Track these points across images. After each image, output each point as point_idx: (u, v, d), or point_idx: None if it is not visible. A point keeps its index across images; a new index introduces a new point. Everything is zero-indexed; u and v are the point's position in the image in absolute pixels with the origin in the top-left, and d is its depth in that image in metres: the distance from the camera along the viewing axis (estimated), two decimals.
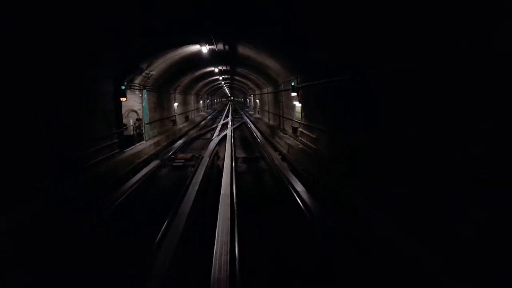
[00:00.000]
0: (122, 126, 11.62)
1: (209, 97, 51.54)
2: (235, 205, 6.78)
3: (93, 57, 8.33)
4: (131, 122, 13.52)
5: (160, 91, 17.15)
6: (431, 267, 3.63)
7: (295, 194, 7.45)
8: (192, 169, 10.51)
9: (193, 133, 22.00)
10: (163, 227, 5.84)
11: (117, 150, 10.71)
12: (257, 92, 28.28)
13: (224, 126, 23.99)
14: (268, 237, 5.70)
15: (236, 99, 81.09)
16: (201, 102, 38.79)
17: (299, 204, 6.88)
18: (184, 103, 25.49)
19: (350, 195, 6.27)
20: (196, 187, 8.01)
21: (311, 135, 10.65)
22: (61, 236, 5.50)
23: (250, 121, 28.57)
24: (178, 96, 22.47)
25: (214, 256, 4.48)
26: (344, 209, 6.10)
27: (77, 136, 8.10)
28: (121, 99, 10.96)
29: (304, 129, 11.61)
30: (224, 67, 20.89)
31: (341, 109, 7.58)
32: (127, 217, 6.85)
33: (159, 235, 5.51)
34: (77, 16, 6.04)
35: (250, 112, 38.01)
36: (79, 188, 7.36)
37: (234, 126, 23.74)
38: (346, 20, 5.70)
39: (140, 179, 9.21)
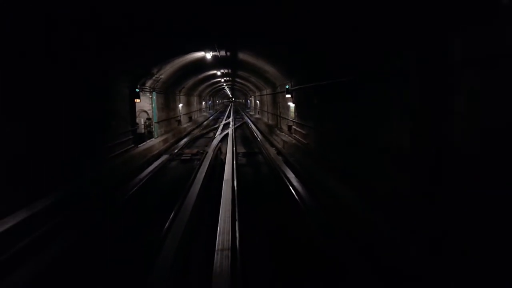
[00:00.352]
0: (136, 124, 13.23)
1: (211, 98, 53.16)
2: (235, 186, 8.35)
3: (115, 67, 9.94)
4: (142, 121, 15.13)
5: (167, 93, 18.77)
6: (359, 206, 5.20)
7: (285, 179, 9.03)
8: (198, 162, 12.09)
9: (196, 132, 23.62)
10: (181, 198, 7.41)
11: (132, 145, 12.32)
12: (257, 93, 29.87)
13: (226, 125, 25.62)
14: (259, 205, 7.27)
15: (238, 100, 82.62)
16: (203, 103, 40.42)
17: (287, 184, 8.47)
18: (188, 104, 27.11)
19: (327, 178, 7.84)
20: (203, 174, 9.61)
21: (302, 131, 12.24)
22: (103, 203, 7.10)
23: (251, 121, 30.16)
24: (182, 98, 24.09)
25: (220, 217, 6.07)
26: (318, 185, 7.66)
27: (105, 132, 9.71)
28: (135, 100, 12.58)
29: (297, 127, 13.19)
30: (226, 70, 22.48)
31: (323, 108, 9.15)
32: (150, 193, 8.45)
33: (178, 203, 7.08)
34: (103, 32, 7.65)
35: (251, 113, 39.58)
36: (110, 169, 8.97)
37: (235, 126, 25.35)
38: (327, 45, 7.29)
39: (155, 168, 10.84)
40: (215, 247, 4.87)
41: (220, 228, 5.51)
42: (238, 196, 7.64)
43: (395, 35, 4.89)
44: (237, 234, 5.49)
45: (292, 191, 7.90)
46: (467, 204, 3.54)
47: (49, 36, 6.17)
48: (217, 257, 4.54)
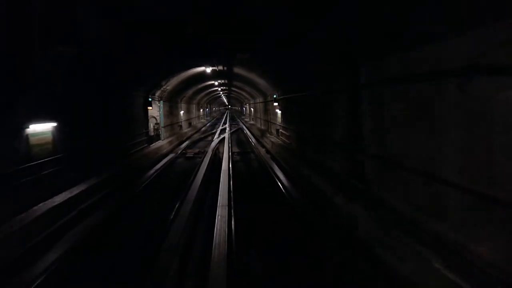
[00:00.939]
0: (148, 128, 15.80)
1: (208, 106, 55.83)
2: (231, 174, 10.91)
3: (136, 81, 12.57)
4: (151, 126, 17.69)
5: (171, 101, 21.40)
6: (317, 180, 7.81)
7: (270, 169, 11.63)
8: (200, 159, 14.65)
9: (196, 136, 26.22)
10: (189, 182, 9.96)
11: (146, 145, 14.88)
12: (252, 101, 32.60)
13: (223, 131, 28.25)
14: (248, 182, 9.85)
15: (234, 107, 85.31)
16: (201, 110, 43.06)
17: (271, 173, 11.07)
18: (187, 111, 29.73)
19: (301, 166, 10.46)
20: (205, 167, 12.17)
21: (286, 133, 14.89)
22: (111, 193, 9.64)
23: (245, 127, 32.82)
24: (183, 105, 26.73)
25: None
26: (294, 172, 10.26)
27: (127, 133, 12.29)
28: (148, 108, 15.18)
29: (282, 130, 15.85)
30: (223, 81, 25.20)
31: (300, 114, 11.81)
32: (165, 177, 10.99)
33: (187, 186, 9.64)
34: (123, 61, 10.29)
35: (246, 120, 42.25)
36: (128, 165, 11.51)
37: (231, 131, 27.98)
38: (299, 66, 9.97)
39: (166, 162, 13.42)
40: (217, 204, 7.44)
41: (220, 197, 8.05)
42: (233, 179, 10.20)
43: (335, 69, 7.56)
44: (232, 201, 8.04)
45: (272, 174, 10.53)
46: (324, 157, 6.18)
47: (98, 72, 8.79)
48: (218, 210, 7.09)
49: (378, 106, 5.71)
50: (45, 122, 6.94)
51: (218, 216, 6.67)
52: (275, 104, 16.66)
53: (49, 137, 7.20)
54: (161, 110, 18.52)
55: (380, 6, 4.82)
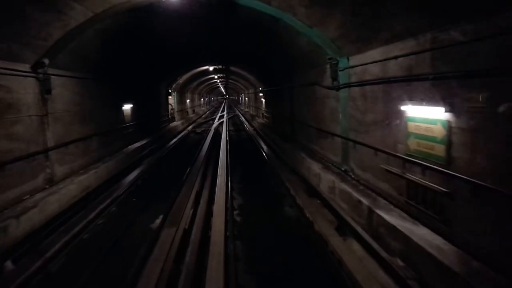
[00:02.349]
0: (168, 111, 22.10)
1: (208, 95, 61.87)
2: (228, 142, 17.24)
3: (161, 80, 18.83)
4: (169, 110, 23.96)
5: (181, 92, 27.63)
6: (284, 144, 14.20)
7: (252, 137, 18.04)
8: (206, 134, 21.00)
9: (200, 120, 32.57)
10: (200, 147, 16.31)
11: (167, 124, 21.22)
12: (246, 92, 38.82)
13: (221, 117, 34.54)
14: (239, 142, 16.22)
15: (231, 97, 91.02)
16: (202, 100, 49.20)
17: (253, 139, 17.51)
18: (192, 100, 35.94)
19: (274, 136, 16.84)
20: (210, 138, 18.53)
21: (267, 115, 21.26)
22: (153, 149, 16.01)
23: (241, 113, 39.14)
24: (189, 95, 32.93)
25: (220, 150, 15.03)
26: (274, 143, 16.60)
27: (158, 114, 18.61)
28: (169, 97, 21.47)
29: (265, 113, 22.20)
30: (221, 74, 31.36)
31: (277, 102, 18.12)
32: (181, 147, 17.36)
33: (198, 149, 16.01)
34: (155, 68, 16.52)
35: (242, 108, 48.50)
36: (160, 135, 17.88)
37: (228, 117, 34.30)
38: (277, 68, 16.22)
39: (183, 134, 19.86)
40: (220, 145, 13.85)
41: (220, 155, 14.39)
42: (230, 145, 16.57)
43: (287, 73, 13.82)
44: (228, 158, 14.37)
45: (253, 139, 17.00)
46: (290, 129, 12.59)
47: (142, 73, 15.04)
48: (221, 151, 13.45)
49: (298, 96, 12.06)
50: (127, 104, 13.23)
51: (220, 155, 13.05)
52: (261, 94, 22.98)
53: (129, 110, 13.49)
54: (175, 99, 24.80)
55: (283, 62, 11.09)
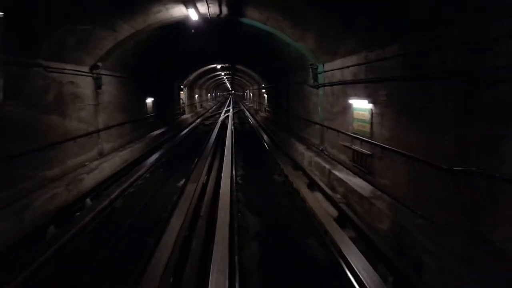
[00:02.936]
0: (180, 105, 24.67)
1: (214, 91, 64.37)
2: (233, 132, 19.77)
3: (176, 77, 21.38)
4: (180, 104, 26.53)
5: (190, 88, 30.16)
6: (281, 133, 16.68)
7: (255, 129, 20.55)
8: (213, 126, 23.53)
9: (207, 114, 35.14)
10: (209, 136, 18.86)
11: (178, 116, 23.80)
12: (251, 88, 41.26)
13: (227, 111, 37.07)
14: (243, 138, 18.74)
15: (237, 93, 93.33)
16: (209, 95, 51.75)
17: (255, 130, 20.02)
18: (199, 95, 38.49)
19: (275, 128, 19.31)
20: (217, 129, 21.07)
21: (268, 110, 23.72)
22: (170, 136, 18.59)
23: (245, 108, 41.63)
24: (197, 91, 35.47)
25: (226, 139, 17.56)
26: (279, 137, 19.09)
27: (172, 107, 21.18)
28: (181, 92, 24.03)
29: (267, 108, 24.67)
30: (228, 72, 33.84)
31: (277, 97, 20.57)
32: (191, 137, 19.93)
33: (211, 131, 18.55)
34: (167, 67, 19.04)
35: (247, 103, 50.97)
36: (174, 125, 20.45)
37: (233, 111, 36.81)
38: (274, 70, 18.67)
39: (193, 126, 22.42)
40: (226, 134, 16.37)
41: (227, 141, 16.90)
42: (235, 134, 19.09)
43: (283, 73, 16.25)
44: (233, 144, 16.87)
45: (257, 131, 19.49)
46: (287, 121, 15.06)
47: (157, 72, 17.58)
48: (227, 139, 15.97)
49: (292, 93, 14.50)
50: (149, 98, 15.77)
51: (227, 141, 15.57)
52: (263, 90, 25.44)
53: (151, 103, 16.05)
54: (185, 94, 27.37)
55: (271, 67, 13.53)
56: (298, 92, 13.09)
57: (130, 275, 4.56)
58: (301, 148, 11.15)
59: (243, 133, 20.16)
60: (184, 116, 25.37)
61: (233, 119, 27.17)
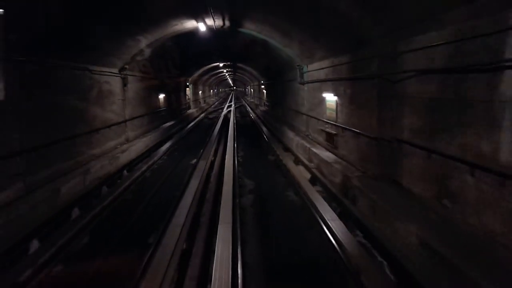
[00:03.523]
0: (186, 101, 27.03)
1: (216, 87, 66.65)
2: (235, 124, 22.11)
3: (182, 75, 23.74)
4: (186, 100, 28.87)
5: (195, 84, 32.49)
6: (276, 125, 19.03)
7: (254, 121, 22.91)
8: (217, 119, 25.89)
9: (210, 109, 37.51)
10: (213, 127, 21.23)
11: (185, 111, 26.19)
12: (252, 84, 43.55)
13: (229, 106, 39.42)
14: (244, 127, 21.11)
15: (238, 88, 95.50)
16: (211, 91, 54.06)
17: (254, 122, 22.39)
18: (203, 92, 40.81)
19: (272, 120, 21.67)
20: (220, 122, 23.43)
21: (267, 104, 26.06)
22: (180, 127, 20.99)
23: (246, 104, 43.96)
24: (200, 87, 37.79)
25: (229, 129, 19.94)
26: (274, 127, 21.42)
27: (179, 102, 23.56)
28: (187, 89, 26.40)
29: (266, 102, 27.00)
30: (229, 69, 36.13)
31: (273, 93, 22.88)
32: (197, 128, 22.32)
33: (215, 124, 20.93)
34: (175, 67, 21.36)
35: (248, 98, 53.26)
36: (182, 118, 22.85)
37: (235, 106, 39.14)
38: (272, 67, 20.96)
39: (199, 119, 24.85)
40: (228, 126, 18.75)
41: (229, 131, 19.25)
42: (236, 126, 21.43)
43: (278, 71, 18.54)
44: (235, 133, 19.22)
45: (256, 123, 21.87)
46: (281, 113, 17.41)
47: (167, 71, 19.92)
48: (230, 130, 18.33)
49: (285, 89, 16.81)
50: (163, 94, 18.12)
51: (229, 131, 17.93)
52: (262, 87, 27.75)
53: (162, 98, 18.41)
54: (191, 90, 29.73)
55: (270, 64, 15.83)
56: (290, 88, 15.41)
57: (165, 214, 6.93)
58: (291, 134, 13.50)
59: (244, 124, 22.57)
60: (190, 111, 27.74)
61: (234, 113, 29.52)
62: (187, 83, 26.42)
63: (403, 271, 4.43)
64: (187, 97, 28.72)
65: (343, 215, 6.46)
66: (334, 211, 6.43)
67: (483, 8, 4.05)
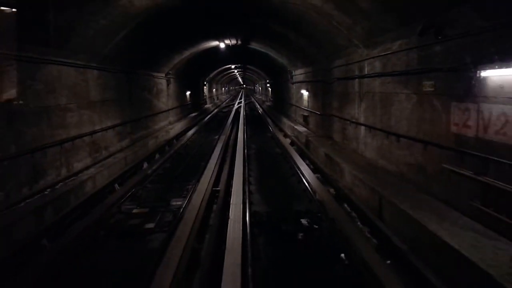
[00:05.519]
0: (203, 97, 32.88)
1: (227, 85, 72.53)
2: (245, 117, 27.80)
3: (201, 76, 29.56)
4: (203, 96, 34.74)
5: (210, 83, 38.35)
6: (279, 116, 24.67)
7: (261, 115, 28.65)
8: (229, 113, 31.66)
9: (223, 105, 43.41)
10: (228, 117, 26.98)
11: (203, 106, 32.05)
12: (260, 82, 49.23)
13: (239, 103, 45.24)
14: (251, 118, 26.81)
15: (248, 87, 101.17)
16: (223, 89, 59.97)
17: (261, 115, 28.13)
18: (216, 89, 46.68)
19: (276, 113, 27.30)
20: (232, 116, 29.18)
21: (272, 100, 31.72)
22: (202, 117, 26.82)
23: (255, 100, 49.74)
24: (214, 85, 43.66)
25: (241, 113, 25.67)
26: (275, 116, 27.04)
27: (199, 98, 29.40)
28: (204, 87, 32.26)
29: (271, 98, 32.66)
30: (240, 70, 41.89)
31: (276, 90, 28.48)
32: (215, 118, 28.13)
33: (229, 116, 26.71)
34: (197, 70, 27.14)
35: (256, 96, 59.00)
36: (201, 111, 28.68)
37: (245, 102, 44.92)
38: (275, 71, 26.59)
39: (215, 112, 30.82)
40: (239, 117, 24.50)
41: (240, 120, 24.93)
42: (246, 119, 27.10)
43: (278, 72, 24.14)
44: (244, 121, 24.88)
45: (262, 115, 27.64)
46: (281, 106, 23.06)
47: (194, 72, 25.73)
48: (240, 119, 24.03)
49: (283, 87, 22.40)
50: (188, 91, 23.94)
51: (240, 123, 23.65)
52: (268, 85, 33.43)
53: (188, 95, 24.22)
54: (207, 88, 35.62)
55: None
56: (285, 86, 21.06)
57: (206, 156, 12.64)
58: (285, 120, 19.16)
59: (252, 115, 28.37)
60: (206, 106, 33.62)
61: (244, 108, 35.29)
62: (205, 82, 32.29)
63: (314, 163, 10.13)
64: (204, 94, 34.64)
65: (300, 154, 12.14)
66: (297, 152, 12.14)
67: (350, 56, 9.66)
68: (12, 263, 5.10)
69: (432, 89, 5.72)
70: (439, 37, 5.35)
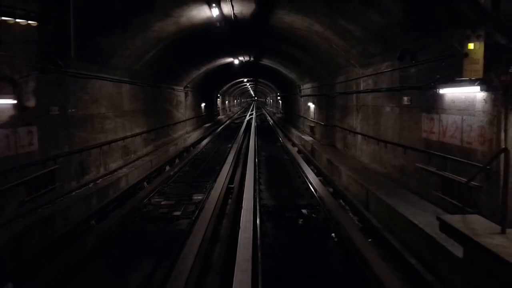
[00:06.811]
0: (217, 108, 34.56)
1: (239, 98, 74.51)
2: (256, 127, 29.28)
3: (215, 89, 31.30)
4: (217, 108, 36.45)
5: (223, 95, 40.12)
6: (289, 127, 26.06)
7: (271, 125, 30.09)
8: (241, 124, 33.21)
9: (235, 116, 45.09)
10: (240, 127, 28.49)
11: (216, 117, 33.70)
12: (271, 95, 50.89)
13: (251, 114, 46.86)
14: (262, 128, 28.27)
15: (259, 99, 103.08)
16: (235, 101, 61.86)
17: (271, 126, 29.58)
18: (228, 101, 48.47)
19: (286, 124, 28.72)
20: (244, 126, 30.72)
21: (282, 112, 33.17)
22: (215, 127, 28.40)
23: (266, 112, 51.34)
24: (227, 97, 45.45)
25: (252, 124, 27.14)
26: (284, 127, 28.46)
27: (213, 110, 31.07)
28: (217, 99, 33.98)
29: (281, 110, 34.12)
30: (252, 83, 43.65)
31: (286, 102, 29.94)
32: (228, 128, 29.69)
33: (241, 126, 28.21)
34: (213, 83, 28.85)
35: (268, 108, 60.65)
36: (215, 122, 30.29)
37: (256, 114, 46.53)
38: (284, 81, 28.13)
39: (228, 123, 32.41)
40: (251, 127, 25.97)
41: (251, 130, 26.40)
42: (257, 130, 28.58)
43: (288, 87, 25.62)
44: (255, 130, 26.34)
45: (272, 125, 29.09)
46: (290, 117, 24.45)
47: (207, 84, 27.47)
48: (252, 129, 25.49)
49: (293, 100, 23.83)
50: (204, 103, 25.57)
51: (251, 133, 25.12)
52: (278, 98, 34.98)
53: (203, 106, 25.86)
54: (220, 100, 37.36)
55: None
56: (294, 99, 22.50)
57: (221, 161, 14.05)
58: (294, 131, 20.53)
59: (262, 126, 29.87)
60: (219, 117, 35.29)
61: (255, 119, 36.86)
62: (218, 95, 34.02)
63: (317, 168, 11.43)
64: (217, 106, 36.36)
65: (306, 160, 13.44)
66: (303, 159, 13.44)
67: (349, 74, 11.03)
68: (71, 234, 6.55)
69: (409, 103, 7.03)
70: (413, 61, 6.69)
